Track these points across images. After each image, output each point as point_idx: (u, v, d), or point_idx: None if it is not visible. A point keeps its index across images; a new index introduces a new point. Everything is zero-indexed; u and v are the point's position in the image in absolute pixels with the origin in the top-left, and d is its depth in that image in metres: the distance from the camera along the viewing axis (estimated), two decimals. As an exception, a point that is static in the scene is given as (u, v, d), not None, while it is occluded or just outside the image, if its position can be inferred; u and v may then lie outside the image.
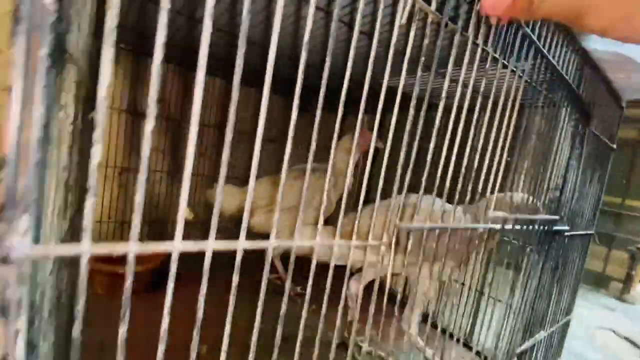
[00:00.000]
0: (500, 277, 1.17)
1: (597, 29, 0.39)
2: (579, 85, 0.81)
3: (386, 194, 0.49)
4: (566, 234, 0.96)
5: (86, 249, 0.22)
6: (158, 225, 1.58)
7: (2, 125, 0.19)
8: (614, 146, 1.07)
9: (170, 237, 0.26)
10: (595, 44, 0.72)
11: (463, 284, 1.48)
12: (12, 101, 0.19)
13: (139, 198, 0.24)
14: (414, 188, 0.55)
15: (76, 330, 0.24)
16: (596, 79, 0.86)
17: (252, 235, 1.48)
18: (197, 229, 1.56)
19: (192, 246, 0.27)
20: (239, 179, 1.68)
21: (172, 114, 1.52)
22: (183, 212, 0.25)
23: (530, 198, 1.01)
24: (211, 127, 1.63)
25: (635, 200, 2.58)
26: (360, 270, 1.21)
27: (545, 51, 0.70)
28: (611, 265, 2.61)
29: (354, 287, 1.17)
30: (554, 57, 0.74)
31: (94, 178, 0.23)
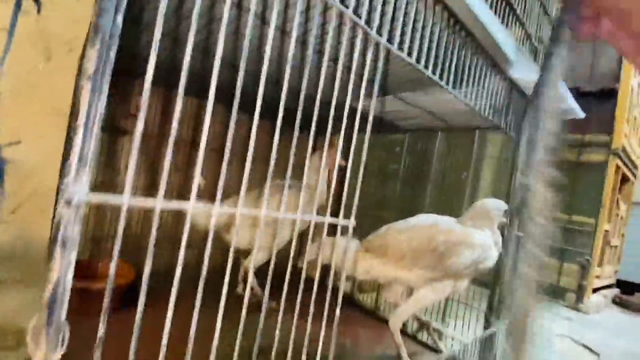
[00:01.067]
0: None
1: None
2: (507, 111, 0.98)
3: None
4: (517, 233, 1.10)
5: (126, 199, 0.30)
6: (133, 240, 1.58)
7: None
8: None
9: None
10: (519, 73, 0.88)
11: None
12: (84, 88, 0.28)
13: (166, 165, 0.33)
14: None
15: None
16: (524, 103, 1.04)
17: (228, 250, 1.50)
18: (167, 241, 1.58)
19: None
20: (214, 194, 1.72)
21: (150, 132, 1.58)
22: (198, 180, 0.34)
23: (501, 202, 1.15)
24: (183, 143, 1.69)
25: (580, 216, 2.86)
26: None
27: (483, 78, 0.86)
28: (565, 277, 2.82)
29: (395, 325, 1.17)
30: (485, 85, 0.90)
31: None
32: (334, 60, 0.93)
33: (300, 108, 0.48)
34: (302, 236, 1.86)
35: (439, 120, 1.45)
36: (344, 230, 0.54)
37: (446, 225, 1.14)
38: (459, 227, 1.14)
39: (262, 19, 0.81)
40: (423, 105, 1.22)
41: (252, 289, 1.52)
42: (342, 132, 0.56)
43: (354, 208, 0.55)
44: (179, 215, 1.67)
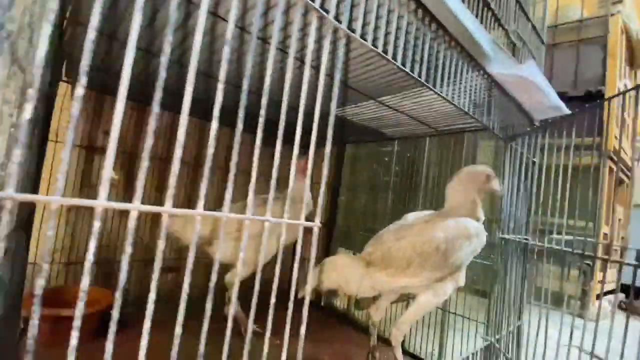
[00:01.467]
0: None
1: None
2: (489, 108, 0.95)
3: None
4: (503, 236, 1.04)
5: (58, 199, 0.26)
6: (106, 265, 1.52)
7: None
8: (535, 160, 1.22)
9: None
10: (497, 68, 0.86)
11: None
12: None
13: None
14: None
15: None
16: (506, 100, 1.01)
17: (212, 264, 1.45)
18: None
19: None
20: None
21: (127, 147, 1.54)
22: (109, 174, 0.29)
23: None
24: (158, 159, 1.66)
25: (579, 220, 2.80)
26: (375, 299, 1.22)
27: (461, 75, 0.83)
28: (567, 284, 2.75)
29: (376, 317, 1.21)
30: (463, 81, 0.87)
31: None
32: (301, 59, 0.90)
33: (282, 118, 0.45)
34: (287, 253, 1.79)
35: (424, 125, 1.42)
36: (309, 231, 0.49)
37: (439, 222, 1.09)
38: (451, 221, 1.09)
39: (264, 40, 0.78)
40: (404, 109, 1.19)
41: (234, 319, 1.44)
42: (313, 138, 0.51)
43: (319, 211, 0.50)
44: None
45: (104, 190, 0.30)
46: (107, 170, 0.30)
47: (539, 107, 1.06)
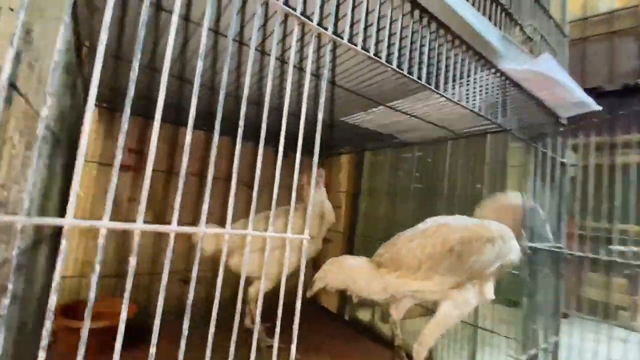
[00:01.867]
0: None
1: None
2: (504, 107, 0.89)
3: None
4: (529, 244, 0.96)
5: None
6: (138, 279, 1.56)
7: None
8: (565, 161, 1.13)
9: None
10: (510, 65, 0.80)
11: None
12: None
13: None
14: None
15: None
16: (524, 98, 0.94)
17: (235, 276, 1.45)
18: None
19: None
20: (215, 222, 1.70)
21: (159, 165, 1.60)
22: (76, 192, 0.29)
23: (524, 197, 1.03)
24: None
25: (624, 224, 2.59)
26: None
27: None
28: (614, 293, 2.52)
29: (395, 315, 1.17)
30: (473, 81, 0.83)
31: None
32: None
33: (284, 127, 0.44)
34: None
35: (442, 129, 1.37)
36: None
37: (458, 223, 1.03)
38: (473, 221, 1.02)
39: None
40: (417, 112, 1.15)
41: (252, 332, 1.42)
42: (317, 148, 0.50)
43: (308, 222, 0.48)
44: (185, 248, 1.64)
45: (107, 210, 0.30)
46: (75, 187, 0.29)
47: (563, 103, 0.99)
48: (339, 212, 2.25)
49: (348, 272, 1.07)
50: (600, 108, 1.06)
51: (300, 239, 0.46)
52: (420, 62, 0.72)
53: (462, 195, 1.83)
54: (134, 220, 0.34)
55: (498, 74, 0.83)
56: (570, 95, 0.93)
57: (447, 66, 0.72)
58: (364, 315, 1.93)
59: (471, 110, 0.83)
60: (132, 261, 0.33)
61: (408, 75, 0.64)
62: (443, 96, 0.79)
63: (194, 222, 1.63)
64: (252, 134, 1.72)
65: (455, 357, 1.38)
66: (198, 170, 1.73)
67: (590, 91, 1.06)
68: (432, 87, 0.70)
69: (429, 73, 0.69)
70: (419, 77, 0.72)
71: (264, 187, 2.02)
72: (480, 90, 0.87)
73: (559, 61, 1.02)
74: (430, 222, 1.11)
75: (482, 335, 1.37)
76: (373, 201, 2.12)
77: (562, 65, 1.02)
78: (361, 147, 2.08)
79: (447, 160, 1.67)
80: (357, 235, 2.13)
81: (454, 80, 0.75)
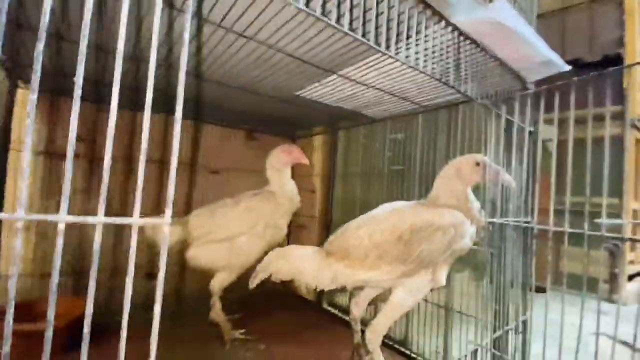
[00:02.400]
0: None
1: None
2: (458, 67, 0.79)
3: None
4: (492, 220, 0.89)
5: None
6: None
7: None
8: (531, 129, 1.05)
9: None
10: (463, 16, 0.70)
11: (426, 300, 1.37)
12: None
13: None
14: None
15: None
16: (483, 58, 0.85)
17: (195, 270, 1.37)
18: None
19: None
20: (176, 211, 1.59)
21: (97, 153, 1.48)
22: None
23: None
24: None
25: (602, 197, 2.56)
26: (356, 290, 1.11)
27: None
28: (593, 266, 2.51)
29: (356, 312, 1.11)
30: (426, 39, 0.73)
31: None
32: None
33: None
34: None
35: (404, 101, 1.27)
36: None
37: (409, 210, 0.96)
38: (424, 208, 0.95)
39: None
40: (372, 82, 1.05)
41: (217, 324, 1.35)
42: None
43: (169, 203, 0.38)
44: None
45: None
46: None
47: (529, 65, 0.90)
48: (313, 197, 2.16)
49: (293, 263, 0.99)
50: (569, 68, 0.97)
51: (159, 223, 0.36)
52: (365, 19, 0.62)
53: (437, 171, 1.75)
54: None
55: (450, 28, 0.73)
56: (535, 53, 0.84)
57: (391, 20, 0.62)
58: (342, 300, 1.87)
59: (423, 72, 0.73)
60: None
61: (348, 31, 0.54)
62: (391, 56, 0.69)
63: (157, 211, 1.52)
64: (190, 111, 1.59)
65: (427, 339, 1.33)
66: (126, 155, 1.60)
67: (570, 63, 0.97)
68: (378, 47, 0.60)
69: (377, 29, 0.59)
70: (364, 35, 0.63)
71: (239, 171, 1.90)
72: (434, 52, 0.77)
73: (526, 19, 0.93)
74: (382, 208, 1.04)
75: (455, 316, 1.32)
76: (348, 184, 2.03)
77: (530, 23, 0.93)
78: (332, 126, 1.97)
79: (418, 136, 1.57)
80: (333, 220, 2.05)
81: (400, 40, 0.66)
